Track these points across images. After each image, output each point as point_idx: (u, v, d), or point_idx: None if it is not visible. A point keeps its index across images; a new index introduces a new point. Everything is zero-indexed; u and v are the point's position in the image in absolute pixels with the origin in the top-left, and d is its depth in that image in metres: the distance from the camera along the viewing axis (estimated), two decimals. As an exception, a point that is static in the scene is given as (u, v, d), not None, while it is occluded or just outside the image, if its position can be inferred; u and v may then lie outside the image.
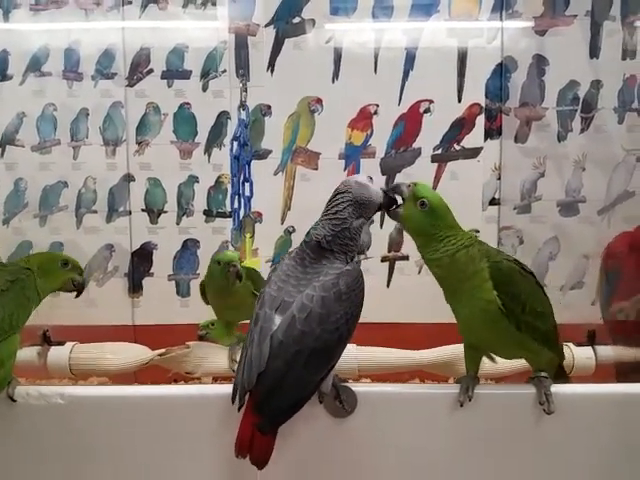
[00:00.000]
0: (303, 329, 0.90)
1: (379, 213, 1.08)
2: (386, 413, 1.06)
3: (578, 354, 1.48)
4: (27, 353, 1.47)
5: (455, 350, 1.51)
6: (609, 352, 1.49)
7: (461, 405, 1.03)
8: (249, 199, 1.76)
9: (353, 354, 1.50)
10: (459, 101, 2.14)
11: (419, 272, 2.19)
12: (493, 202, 2.16)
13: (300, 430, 0.99)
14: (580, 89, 2.13)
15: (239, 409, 0.92)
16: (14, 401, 1.05)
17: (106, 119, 2.16)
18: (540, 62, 2.14)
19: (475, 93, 2.14)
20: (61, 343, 1.59)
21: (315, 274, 0.96)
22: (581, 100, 2.13)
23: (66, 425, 1.05)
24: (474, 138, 2.15)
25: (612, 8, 2.11)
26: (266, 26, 2.10)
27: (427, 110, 2.15)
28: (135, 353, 1.57)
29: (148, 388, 1.19)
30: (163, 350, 1.52)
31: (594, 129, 2.15)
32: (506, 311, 1.02)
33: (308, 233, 1.03)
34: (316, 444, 1.03)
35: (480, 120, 2.15)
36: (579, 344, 1.51)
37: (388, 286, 2.22)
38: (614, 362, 1.53)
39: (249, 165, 1.75)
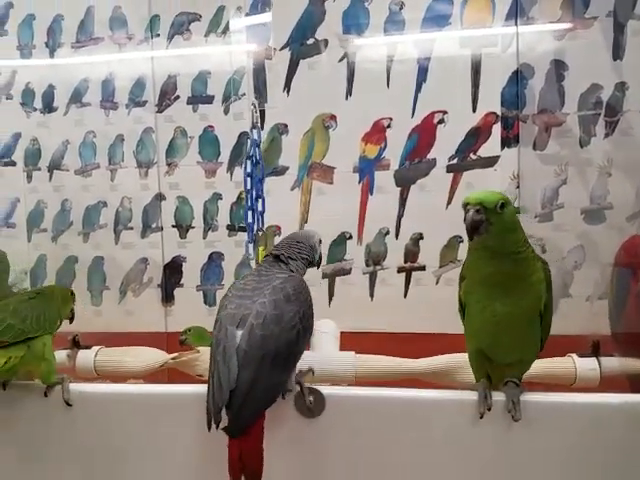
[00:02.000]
0: (263, 333, 0.96)
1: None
2: (355, 415, 1.08)
3: (581, 365, 1.44)
4: (59, 356, 1.59)
5: (452, 359, 1.50)
6: (614, 363, 1.43)
7: (481, 417, 1.02)
8: (262, 214, 1.85)
9: (351, 361, 1.53)
10: (474, 111, 2.14)
11: (437, 283, 2.19)
12: (513, 211, 2.13)
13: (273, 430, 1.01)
14: (603, 92, 2.07)
15: (217, 428, 0.95)
16: (70, 405, 1.14)
17: (139, 143, 2.35)
18: (559, 67, 2.10)
19: (490, 102, 2.12)
20: (88, 347, 1.71)
21: (267, 282, 1.03)
22: (604, 104, 2.06)
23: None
24: (491, 147, 2.14)
25: (636, 7, 2.05)
26: (281, 49, 2.21)
27: (441, 121, 2.16)
28: (152, 356, 1.68)
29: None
30: (176, 354, 1.63)
31: (620, 133, 2.06)
32: (543, 312, 1.04)
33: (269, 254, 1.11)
34: (287, 443, 1.07)
35: (496, 129, 2.13)
36: (582, 355, 1.46)
37: (405, 296, 2.23)
38: (628, 374, 1.47)
39: (261, 182, 1.84)
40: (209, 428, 0.94)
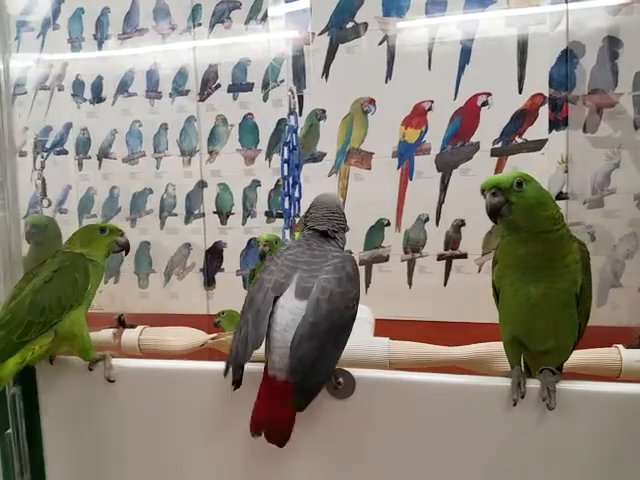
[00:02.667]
0: (330, 308, 0.96)
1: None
2: (385, 399, 1.07)
3: (627, 357, 1.36)
4: (105, 334, 1.65)
5: (490, 347, 1.46)
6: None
7: (514, 404, 0.99)
8: (298, 200, 1.86)
9: (384, 347, 1.52)
10: (520, 92, 2.06)
11: (479, 271, 2.14)
12: (560, 197, 2.04)
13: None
14: (661, 70, 1.95)
15: (234, 383, 0.98)
16: (112, 382, 1.15)
17: (182, 132, 2.41)
18: (612, 44, 1.98)
19: (537, 83, 2.04)
20: (133, 326, 1.77)
21: (322, 258, 1.04)
22: (662, 82, 1.95)
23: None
24: (538, 130, 2.05)
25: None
26: (320, 34, 2.20)
27: (485, 103, 2.09)
28: (193, 336, 1.72)
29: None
30: (215, 335, 1.66)
31: (678, 113, 1.94)
32: (580, 296, 0.99)
33: (306, 226, 1.11)
34: (313, 420, 1.06)
35: (544, 111, 2.04)
36: (629, 346, 1.39)
37: (445, 285, 2.18)
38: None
39: (298, 168, 1.85)
40: (225, 375, 0.97)
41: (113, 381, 1.16)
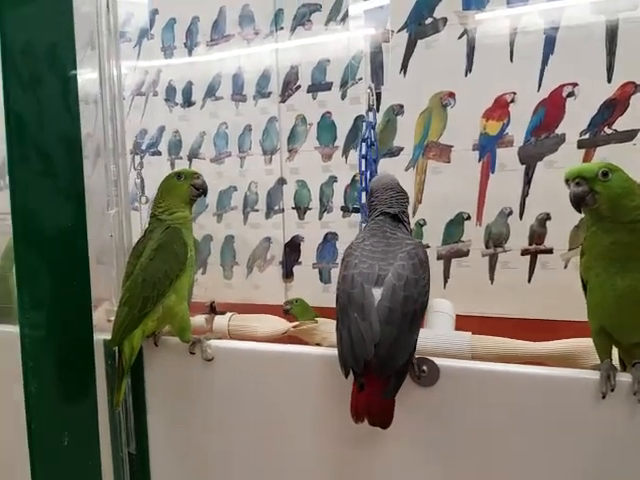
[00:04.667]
0: (405, 294, 0.99)
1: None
2: (469, 389, 1.09)
3: None
4: (199, 319, 1.77)
5: (578, 343, 1.42)
6: None
7: (603, 397, 0.98)
8: (375, 195, 1.89)
9: (467, 341, 1.52)
10: (609, 81, 1.97)
11: (565, 267, 2.07)
12: (653, 188, 1.93)
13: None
14: None
15: (359, 384, 0.98)
16: (210, 360, 1.25)
17: (264, 132, 2.52)
18: None
19: (629, 70, 1.93)
20: (223, 313, 1.88)
21: (397, 245, 1.07)
22: None
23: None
24: (629, 119, 1.95)
25: None
26: (399, 31, 2.21)
27: (571, 94, 2.02)
28: (277, 324, 1.81)
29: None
30: (297, 323, 1.74)
31: None
32: None
33: (374, 210, 1.15)
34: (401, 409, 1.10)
35: (636, 100, 1.94)
36: None
37: (529, 281, 2.13)
38: None
39: (376, 163, 1.88)
40: (347, 376, 0.99)
41: (211, 359, 1.25)
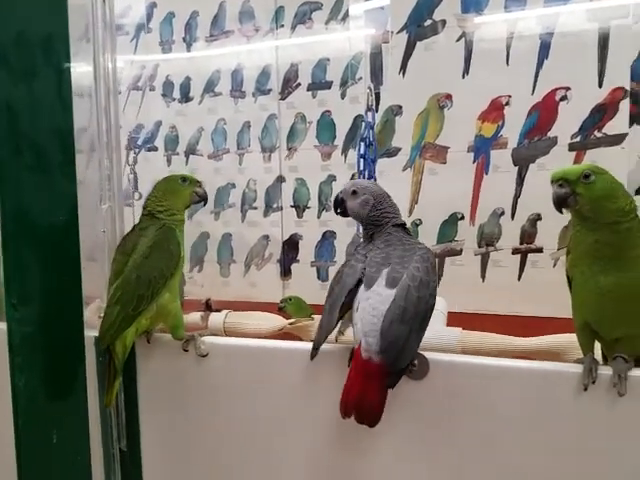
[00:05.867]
0: (419, 295, 1.05)
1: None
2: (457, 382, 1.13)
3: None
4: (194, 317, 1.79)
5: (564, 338, 1.47)
6: None
7: (585, 389, 1.02)
8: (374, 194, 1.93)
9: (456, 336, 1.56)
10: (600, 86, 2.02)
11: (554, 265, 2.13)
12: (640, 192, 2.00)
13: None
14: None
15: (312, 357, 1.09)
16: (204, 356, 1.24)
17: (263, 130, 2.54)
18: (700, 36, 1.91)
19: (619, 76, 2.00)
20: (218, 310, 1.90)
21: (412, 251, 1.12)
22: None
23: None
24: (618, 124, 2.01)
25: None
26: (398, 32, 2.25)
27: (563, 98, 2.07)
28: (272, 321, 1.84)
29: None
30: (293, 320, 1.78)
31: None
32: None
33: (384, 220, 1.18)
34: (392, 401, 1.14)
35: (624, 105, 2.00)
36: None
37: (519, 279, 2.18)
38: None
39: (374, 163, 1.92)
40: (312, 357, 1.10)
41: (205, 355, 1.24)
